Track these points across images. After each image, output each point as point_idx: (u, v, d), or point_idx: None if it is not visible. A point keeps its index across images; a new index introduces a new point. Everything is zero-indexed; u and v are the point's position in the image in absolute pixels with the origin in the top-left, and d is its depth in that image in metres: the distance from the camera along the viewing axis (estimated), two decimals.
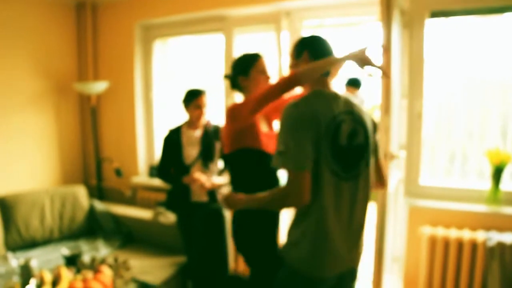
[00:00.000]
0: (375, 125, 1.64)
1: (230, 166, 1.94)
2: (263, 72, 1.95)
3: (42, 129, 3.48)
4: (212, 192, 2.52)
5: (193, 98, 2.50)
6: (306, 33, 1.80)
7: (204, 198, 2.52)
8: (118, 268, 2.26)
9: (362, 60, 1.47)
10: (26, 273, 1.96)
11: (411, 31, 2.59)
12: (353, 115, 1.51)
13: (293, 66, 1.63)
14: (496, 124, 2.70)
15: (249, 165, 1.80)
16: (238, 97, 2.32)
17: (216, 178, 2.50)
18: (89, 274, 2.04)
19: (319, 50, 1.57)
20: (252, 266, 1.94)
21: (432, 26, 2.63)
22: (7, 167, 3.20)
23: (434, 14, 2.59)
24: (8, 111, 3.20)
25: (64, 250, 2.60)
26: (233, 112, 1.85)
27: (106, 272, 2.08)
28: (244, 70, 1.95)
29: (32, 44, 3.36)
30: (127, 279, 2.18)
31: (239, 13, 3.11)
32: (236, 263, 3.06)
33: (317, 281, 1.49)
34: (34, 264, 2.02)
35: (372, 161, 1.60)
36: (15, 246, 2.88)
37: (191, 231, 2.58)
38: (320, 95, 1.49)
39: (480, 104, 2.78)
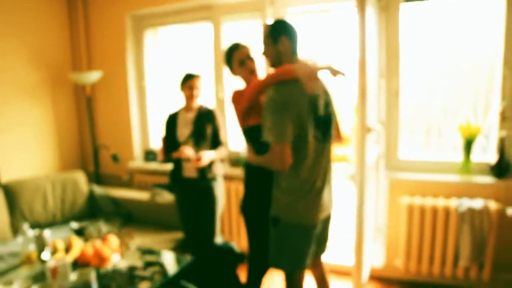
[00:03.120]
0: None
1: (246, 140, 2.16)
2: (241, 62, 2.14)
3: (39, 118, 3.61)
4: (202, 170, 2.70)
5: (187, 80, 2.68)
6: (272, 20, 1.97)
7: (194, 174, 2.70)
8: (123, 237, 2.45)
9: (334, 72, 1.85)
10: (41, 242, 2.15)
11: (387, 15, 2.77)
12: (323, 89, 1.88)
13: (269, 51, 1.85)
14: (468, 101, 2.90)
15: (256, 140, 1.99)
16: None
17: (207, 153, 2.65)
18: (97, 242, 2.23)
19: (294, 34, 1.81)
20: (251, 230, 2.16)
21: (408, 10, 2.81)
22: (6, 156, 3.34)
23: None
24: (5, 100, 3.32)
25: (73, 223, 2.78)
26: (234, 97, 2.12)
27: (113, 240, 2.27)
28: (227, 63, 2.17)
29: (26, 35, 3.46)
30: (132, 246, 2.37)
31: (225, 1, 3.25)
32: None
33: (312, 229, 1.87)
34: (47, 234, 2.21)
35: (333, 123, 1.98)
36: (16, 231, 3.04)
37: (185, 206, 2.78)
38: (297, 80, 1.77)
39: (453, 83, 2.98)
